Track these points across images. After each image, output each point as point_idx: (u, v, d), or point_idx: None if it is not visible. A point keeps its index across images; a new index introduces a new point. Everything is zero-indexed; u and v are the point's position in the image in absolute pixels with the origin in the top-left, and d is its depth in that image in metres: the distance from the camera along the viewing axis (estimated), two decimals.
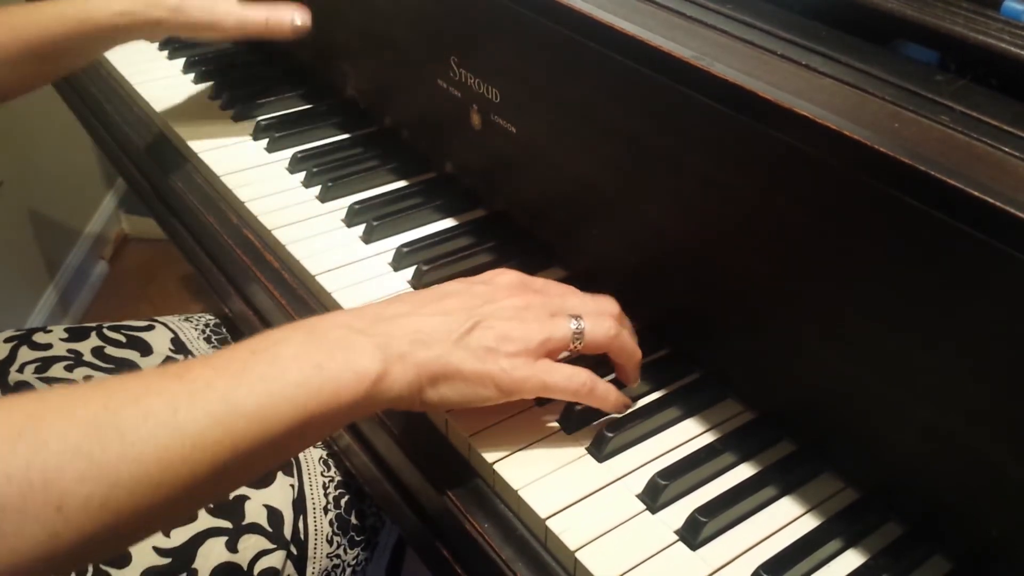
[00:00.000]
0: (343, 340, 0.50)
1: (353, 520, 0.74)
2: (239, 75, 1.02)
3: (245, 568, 0.66)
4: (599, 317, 0.58)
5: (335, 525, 0.73)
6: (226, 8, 0.82)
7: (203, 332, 0.87)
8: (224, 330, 0.89)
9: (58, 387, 0.43)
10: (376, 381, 0.49)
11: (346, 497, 0.74)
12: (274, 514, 0.69)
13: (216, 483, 0.45)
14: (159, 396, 0.43)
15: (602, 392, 0.57)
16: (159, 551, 0.64)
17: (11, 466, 0.39)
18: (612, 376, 0.61)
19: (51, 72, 0.85)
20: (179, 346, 0.84)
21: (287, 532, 0.69)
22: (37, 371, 0.77)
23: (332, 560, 0.72)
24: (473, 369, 0.52)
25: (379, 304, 0.55)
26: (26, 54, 0.76)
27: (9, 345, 0.79)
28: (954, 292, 0.46)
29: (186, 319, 0.89)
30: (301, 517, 0.70)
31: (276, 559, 0.67)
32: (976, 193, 0.42)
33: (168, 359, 0.82)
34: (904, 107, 0.48)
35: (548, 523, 0.53)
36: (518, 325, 0.55)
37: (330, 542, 0.72)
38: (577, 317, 0.56)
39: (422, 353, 0.51)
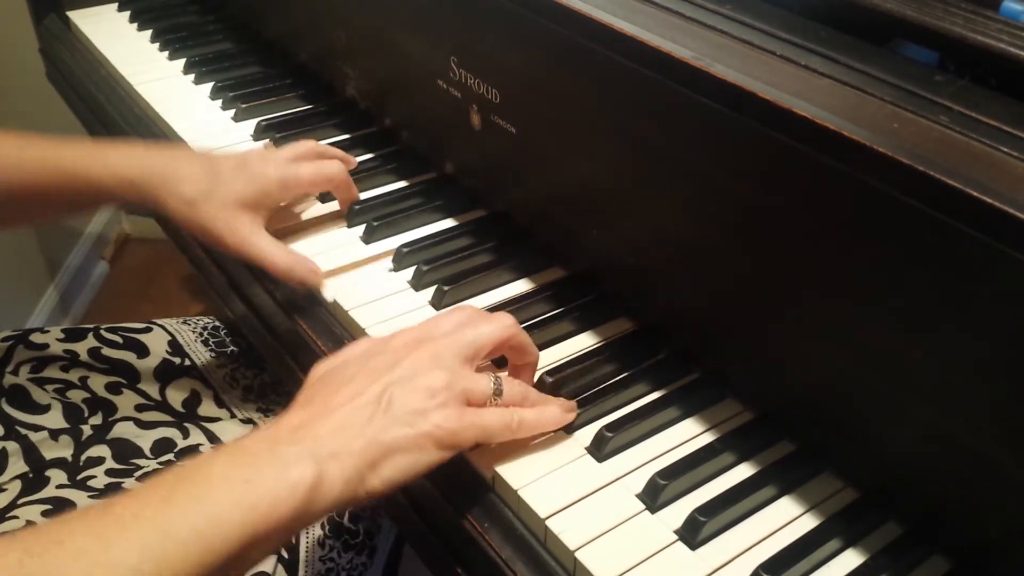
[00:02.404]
0: (269, 453, 0.48)
1: (346, 523, 0.74)
2: (239, 76, 1.02)
3: None
4: (513, 382, 0.56)
5: (327, 529, 0.72)
6: (244, 228, 0.70)
7: (201, 335, 0.87)
8: (222, 333, 0.89)
9: None
10: (312, 488, 0.47)
11: None
12: None
13: None
14: (85, 535, 0.41)
15: (533, 420, 0.56)
16: None
17: None
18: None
19: (30, 217, 0.75)
20: (176, 348, 0.84)
21: None
22: (32, 371, 0.77)
23: (325, 564, 0.71)
24: (408, 437, 0.50)
25: (292, 412, 0.52)
26: (5, 196, 0.67)
27: (6, 345, 0.79)
28: (953, 292, 0.46)
29: (184, 322, 0.89)
30: None
31: (267, 564, 0.67)
32: (975, 193, 0.42)
33: (165, 361, 0.82)
34: (903, 107, 0.48)
35: (548, 523, 0.53)
36: (435, 376, 0.53)
37: (322, 545, 0.71)
38: (494, 376, 0.55)
39: (354, 443, 0.49)
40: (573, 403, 0.59)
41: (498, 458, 0.57)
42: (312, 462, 0.47)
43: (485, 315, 0.58)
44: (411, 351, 0.54)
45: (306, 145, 0.78)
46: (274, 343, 0.75)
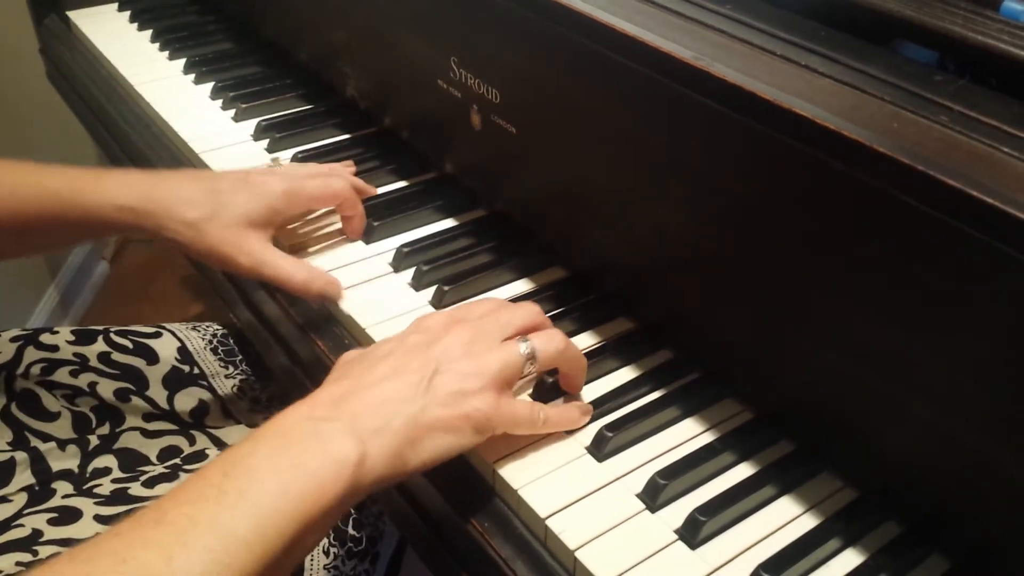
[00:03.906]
0: (312, 433, 0.48)
1: (350, 531, 0.74)
2: (239, 76, 1.02)
3: None
4: (546, 333, 0.57)
5: (331, 536, 0.72)
6: (254, 246, 0.67)
7: (210, 342, 0.87)
8: (231, 341, 0.88)
9: (39, 569, 0.39)
10: (357, 466, 0.47)
11: None
12: None
13: None
14: (145, 549, 0.40)
15: (555, 418, 0.58)
16: None
17: None
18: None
19: (26, 248, 0.72)
20: (185, 356, 0.84)
21: None
22: (42, 373, 0.77)
23: (329, 571, 0.71)
24: (447, 417, 0.51)
25: (328, 386, 0.52)
26: (2, 225, 0.65)
27: (15, 345, 0.79)
28: (953, 292, 0.46)
29: (193, 327, 0.89)
30: None
31: None
32: (976, 193, 0.42)
33: (174, 368, 0.82)
34: (903, 107, 0.48)
35: (548, 522, 0.53)
36: (473, 360, 0.53)
37: (327, 553, 0.71)
38: (524, 340, 0.56)
39: (395, 421, 0.50)
40: (589, 407, 0.60)
41: (499, 458, 0.57)
42: (355, 439, 0.48)
43: (513, 304, 0.60)
44: (448, 331, 0.55)
45: (319, 166, 0.78)
46: (276, 344, 0.75)
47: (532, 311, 0.59)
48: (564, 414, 0.58)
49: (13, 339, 0.79)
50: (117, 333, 0.83)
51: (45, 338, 0.80)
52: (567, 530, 0.53)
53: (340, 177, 0.75)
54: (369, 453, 0.48)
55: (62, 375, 0.78)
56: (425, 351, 0.54)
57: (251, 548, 0.42)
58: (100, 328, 0.83)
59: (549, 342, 0.57)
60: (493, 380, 0.53)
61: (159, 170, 0.70)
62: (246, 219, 0.67)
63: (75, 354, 0.80)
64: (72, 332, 0.82)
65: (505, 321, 0.57)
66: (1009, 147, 0.45)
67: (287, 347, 0.74)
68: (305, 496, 0.45)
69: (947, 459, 0.50)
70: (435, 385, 0.52)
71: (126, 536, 0.41)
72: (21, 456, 0.71)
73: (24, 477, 0.70)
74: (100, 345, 0.81)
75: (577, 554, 0.52)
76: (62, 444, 0.72)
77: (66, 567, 0.40)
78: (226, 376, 0.84)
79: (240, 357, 0.87)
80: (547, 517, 0.54)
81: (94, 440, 0.73)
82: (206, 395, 0.81)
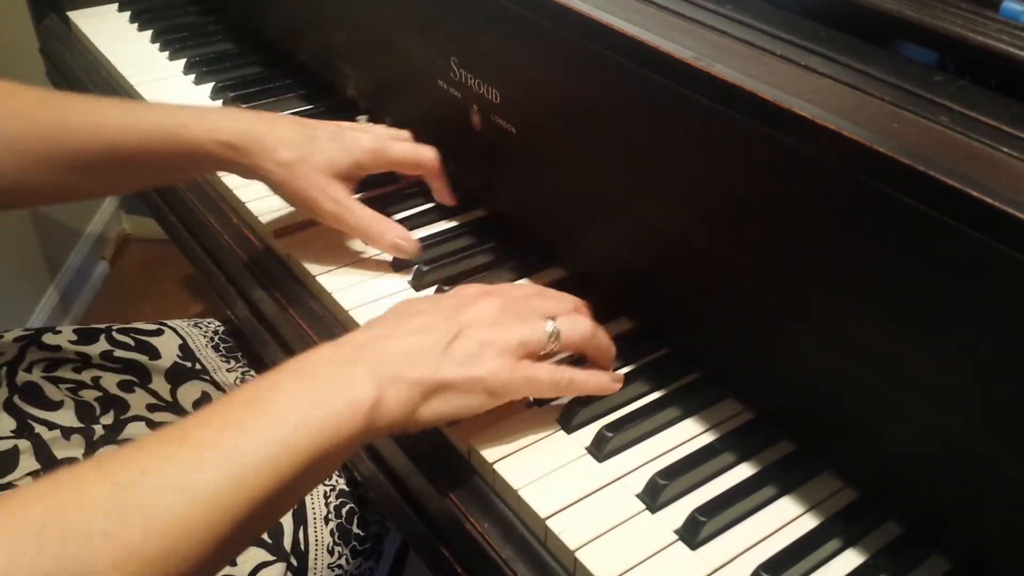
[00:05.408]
0: (333, 375, 0.50)
1: (355, 529, 0.74)
2: (240, 76, 1.02)
3: None
4: (574, 317, 0.59)
5: (336, 535, 0.72)
6: (339, 193, 0.71)
7: (211, 340, 0.87)
8: (231, 338, 0.89)
9: (62, 471, 0.42)
10: (372, 408, 0.49)
11: (347, 506, 0.74)
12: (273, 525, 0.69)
13: (238, 539, 0.45)
14: (167, 465, 0.43)
15: (581, 381, 0.58)
16: None
17: (43, 563, 0.37)
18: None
19: (121, 185, 0.74)
20: (187, 353, 0.84)
21: (287, 543, 0.69)
22: (45, 370, 0.77)
23: (334, 571, 0.71)
24: (462, 377, 0.53)
25: (357, 333, 0.56)
26: (100, 159, 0.66)
27: (18, 345, 0.79)
28: (953, 292, 0.46)
29: (195, 324, 0.89)
30: (301, 528, 0.70)
31: (276, 571, 0.67)
32: (976, 193, 0.42)
33: (176, 364, 0.82)
34: (903, 108, 0.48)
35: (548, 523, 0.53)
36: (496, 329, 0.55)
37: (331, 552, 0.71)
38: (551, 318, 0.57)
39: (412, 372, 0.52)
40: (621, 376, 0.61)
41: (499, 458, 0.57)
42: (374, 383, 0.50)
43: (554, 292, 0.63)
44: (480, 299, 0.58)
45: (406, 132, 0.80)
46: (274, 342, 0.75)
47: (568, 303, 0.61)
48: (593, 377, 0.59)
49: (16, 339, 0.79)
50: (119, 331, 0.84)
51: (47, 338, 0.80)
52: (567, 530, 0.53)
53: (430, 148, 0.77)
54: (385, 398, 0.50)
55: (65, 371, 0.78)
56: (454, 314, 0.56)
57: (261, 475, 0.45)
58: (102, 327, 0.84)
59: (574, 327, 0.58)
60: (511, 349, 0.55)
61: (260, 111, 0.74)
62: (332, 167, 0.71)
63: (77, 353, 0.80)
64: (74, 331, 0.82)
65: (537, 304, 0.59)
66: (1009, 147, 0.45)
67: (286, 346, 0.74)
68: (321, 431, 0.47)
69: (947, 459, 0.50)
70: (454, 346, 0.54)
71: (148, 450, 0.44)
72: (24, 444, 0.70)
73: (29, 463, 0.70)
74: (102, 344, 0.82)
75: (577, 554, 0.52)
76: (66, 433, 0.72)
77: (89, 471, 0.42)
78: (227, 370, 0.84)
79: (240, 353, 0.87)
80: (547, 517, 0.54)
81: (99, 430, 0.74)
82: (209, 388, 0.81)
